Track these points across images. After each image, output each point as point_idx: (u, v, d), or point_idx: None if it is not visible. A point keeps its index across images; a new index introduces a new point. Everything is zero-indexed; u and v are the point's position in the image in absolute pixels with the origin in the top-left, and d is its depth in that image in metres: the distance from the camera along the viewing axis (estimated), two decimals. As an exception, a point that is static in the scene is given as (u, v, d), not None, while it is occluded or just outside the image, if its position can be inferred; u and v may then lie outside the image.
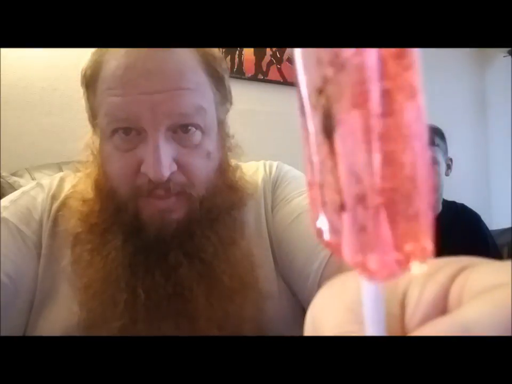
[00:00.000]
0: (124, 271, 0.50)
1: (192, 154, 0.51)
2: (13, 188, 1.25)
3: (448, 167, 1.50)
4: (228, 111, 0.60)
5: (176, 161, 0.50)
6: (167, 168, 0.48)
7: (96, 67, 0.52)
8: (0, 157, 1.56)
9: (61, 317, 0.50)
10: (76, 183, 0.57)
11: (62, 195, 0.57)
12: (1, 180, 1.29)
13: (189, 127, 0.51)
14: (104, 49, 0.51)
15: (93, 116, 0.54)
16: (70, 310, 0.50)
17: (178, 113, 0.50)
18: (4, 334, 0.47)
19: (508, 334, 0.16)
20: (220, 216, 0.53)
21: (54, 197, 0.57)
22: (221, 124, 0.58)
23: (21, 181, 1.33)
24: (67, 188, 0.58)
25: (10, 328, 0.49)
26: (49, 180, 0.60)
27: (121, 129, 0.49)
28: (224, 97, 0.58)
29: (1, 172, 1.33)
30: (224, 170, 0.56)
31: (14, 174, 1.43)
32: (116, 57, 0.49)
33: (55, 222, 0.55)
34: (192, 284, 0.50)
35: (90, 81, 0.54)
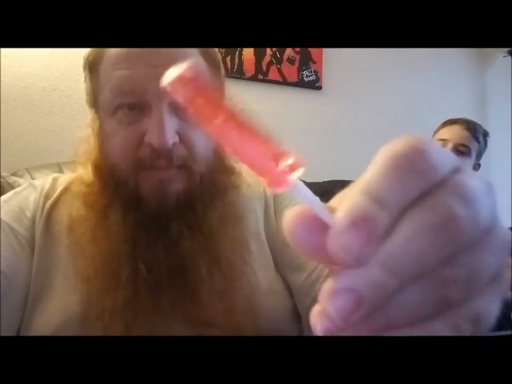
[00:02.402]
0: (125, 245, 0.50)
1: (193, 130, 0.53)
2: (13, 188, 1.25)
3: (474, 168, 1.51)
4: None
5: (179, 134, 0.51)
6: (170, 136, 0.50)
7: (99, 50, 0.54)
8: (0, 157, 1.56)
9: (57, 310, 0.51)
10: (77, 170, 0.58)
11: (56, 194, 0.58)
12: (1, 179, 1.29)
13: None
14: None
15: (95, 96, 0.55)
16: (65, 303, 0.51)
17: None
18: (1, 326, 0.48)
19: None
20: (219, 194, 0.54)
21: (47, 196, 0.58)
22: None
23: (21, 181, 1.33)
24: (60, 187, 0.59)
25: (5, 322, 0.49)
26: (41, 180, 0.61)
27: (126, 105, 0.51)
28: (221, 86, 0.61)
29: (1, 172, 1.33)
30: (221, 153, 0.57)
31: (14, 174, 1.43)
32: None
33: (48, 219, 0.56)
34: (194, 255, 0.51)
35: (94, 62, 0.55)
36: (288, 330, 0.57)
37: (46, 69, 1.76)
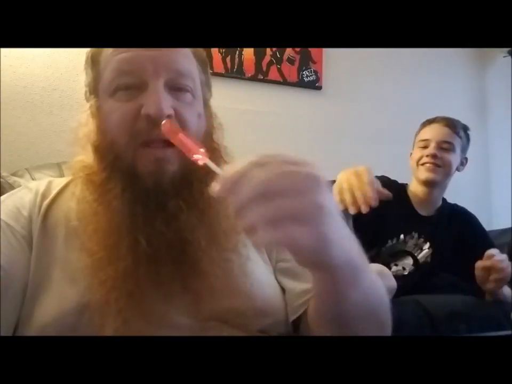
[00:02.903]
0: (125, 219, 0.53)
1: (186, 109, 0.57)
2: (13, 188, 1.25)
3: (462, 163, 1.53)
4: (210, 96, 0.66)
5: (174, 110, 0.55)
6: (166, 107, 0.53)
7: None
8: (0, 157, 1.56)
9: (55, 302, 0.52)
10: (78, 157, 0.61)
11: (52, 194, 0.61)
12: (1, 180, 1.29)
13: (182, 87, 0.57)
14: None
15: (96, 84, 0.59)
16: (63, 295, 0.52)
17: (175, 68, 0.56)
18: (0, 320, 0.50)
19: None
20: (210, 173, 0.57)
21: (43, 196, 0.60)
22: (207, 103, 0.64)
23: (21, 181, 1.33)
24: (56, 189, 0.62)
25: (4, 314, 0.51)
26: (36, 183, 0.64)
27: (125, 84, 0.55)
28: (207, 81, 0.65)
29: (1, 172, 1.33)
30: (209, 139, 0.61)
31: (14, 174, 1.43)
32: None
33: (45, 217, 0.58)
34: (193, 229, 0.54)
35: (95, 54, 0.60)
36: (282, 308, 0.60)
37: (46, 69, 1.76)
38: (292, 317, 0.60)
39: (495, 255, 1.19)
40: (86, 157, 0.59)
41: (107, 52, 0.58)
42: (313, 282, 0.49)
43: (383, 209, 1.39)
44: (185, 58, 0.59)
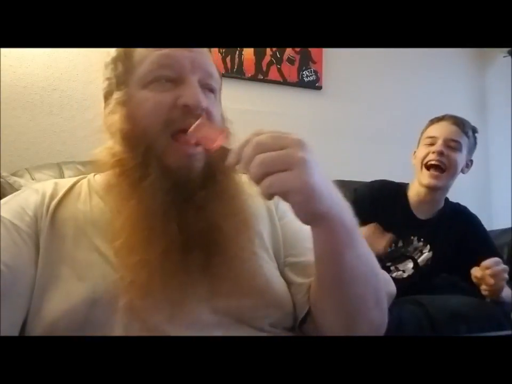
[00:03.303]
0: (159, 206, 0.56)
1: (214, 107, 0.63)
2: (13, 188, 1.25)
3: (467, 165, 1.49)
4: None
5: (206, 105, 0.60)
6: (203, 98, 0.59)
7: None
8: (0, 157, 1.56)
9: (64, 297, 0.54)
10: (106, 144, 0.63)
11: (59, 195, 0.62)
12: (1, 180, 1.29)
13: (211, 88, 0.63)
14: None
15: (126, 77, 0.62)
16: (72, 291, 0.54)
17: (207, 70, 0.62)
18: (7, 315, 0.52)
19: None
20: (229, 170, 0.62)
21: (51, 197, 0.62)
22: (221, 107, 0.69)
23: (21, 181, 1.33)
24: (63, 189, 0.64)
25: (11, 311, 0.53)
26: (41, 184, 0.65)
27: (163, 76, 0.59)
28: (220, 88, 0.69)
29: (1, 172, 1.33)
30: (228, 130, 0.66)
31: (14, 174, 1.43)
32: None
33: (54, 217, 0.59)
34: (221, 219, 0.58)
35: (127, 51, 0.63)
36: (289, 301, 0.63)
37: (46, 69, 1.76)
38: (302, 312, 0.63)
39: (490, 267, 1.16)
40: (114, 144, 0.61)
41: (142, 49, 0.62)
42: (313, 243, 0.55)
43: (381, 216, 1.38)
44: (212, 63, 0.65)
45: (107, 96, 0.65)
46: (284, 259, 0.67)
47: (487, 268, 1.17)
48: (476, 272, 1.19)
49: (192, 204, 0.57)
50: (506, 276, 1.17)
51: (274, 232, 0.68)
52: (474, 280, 1.20)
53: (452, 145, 1.41)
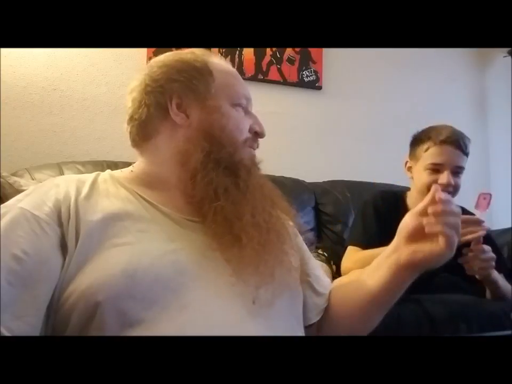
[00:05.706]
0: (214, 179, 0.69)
1: None
2: (13, 188, 1.25)
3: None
4: None
5: None
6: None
7: (203, 59, 0.72)
8: (0, 157, 1.56)
9: (101, 269, 0.57)
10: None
11: (86, 189, 0.66)
12: (1, 180, 1.29)
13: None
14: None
15: (208, 88, 0.73)
16: (109, 262, 0.58)
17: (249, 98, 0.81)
18: (30, 300, 0.54)
19: None
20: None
21: (78, 190, 0.66)
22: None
23: (21, 181, 1.33)
24: (87, 184, 0.68)
25: (34, 296, 0.55)
26: (62, 180, 0.69)
27: (242, 104, 0.76)
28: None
29: (1, 171, 1.33)
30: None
31: (14, 174, 1.43)
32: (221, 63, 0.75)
33: (84, 208, 0.63)
34: (256, 189, 0.72)
35: (205, 68, 0.72)
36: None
37: (46, 69, 1.76)
38: (317, 316, 0.75)
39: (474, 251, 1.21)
40: (198, 137, 0.73)
41: (215, 65, 0.73)
42: (394, 282, 0.70)
43: (382, 222, 1.39)
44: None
45: (182, 91, 0.73)
46: (301, 275, 0.75)
47: (471, 251, 1.20)
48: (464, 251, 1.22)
49: (237, 190, 0.70)
50: (488, 256, 1.20)
51: (294, 244, 0.78)
52: (460, 259, 1.23)
53: (457, 171, 1.43)
